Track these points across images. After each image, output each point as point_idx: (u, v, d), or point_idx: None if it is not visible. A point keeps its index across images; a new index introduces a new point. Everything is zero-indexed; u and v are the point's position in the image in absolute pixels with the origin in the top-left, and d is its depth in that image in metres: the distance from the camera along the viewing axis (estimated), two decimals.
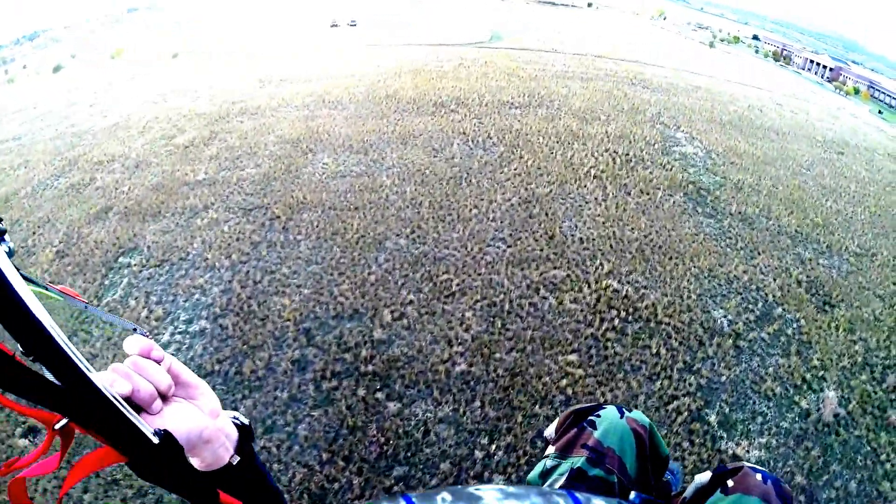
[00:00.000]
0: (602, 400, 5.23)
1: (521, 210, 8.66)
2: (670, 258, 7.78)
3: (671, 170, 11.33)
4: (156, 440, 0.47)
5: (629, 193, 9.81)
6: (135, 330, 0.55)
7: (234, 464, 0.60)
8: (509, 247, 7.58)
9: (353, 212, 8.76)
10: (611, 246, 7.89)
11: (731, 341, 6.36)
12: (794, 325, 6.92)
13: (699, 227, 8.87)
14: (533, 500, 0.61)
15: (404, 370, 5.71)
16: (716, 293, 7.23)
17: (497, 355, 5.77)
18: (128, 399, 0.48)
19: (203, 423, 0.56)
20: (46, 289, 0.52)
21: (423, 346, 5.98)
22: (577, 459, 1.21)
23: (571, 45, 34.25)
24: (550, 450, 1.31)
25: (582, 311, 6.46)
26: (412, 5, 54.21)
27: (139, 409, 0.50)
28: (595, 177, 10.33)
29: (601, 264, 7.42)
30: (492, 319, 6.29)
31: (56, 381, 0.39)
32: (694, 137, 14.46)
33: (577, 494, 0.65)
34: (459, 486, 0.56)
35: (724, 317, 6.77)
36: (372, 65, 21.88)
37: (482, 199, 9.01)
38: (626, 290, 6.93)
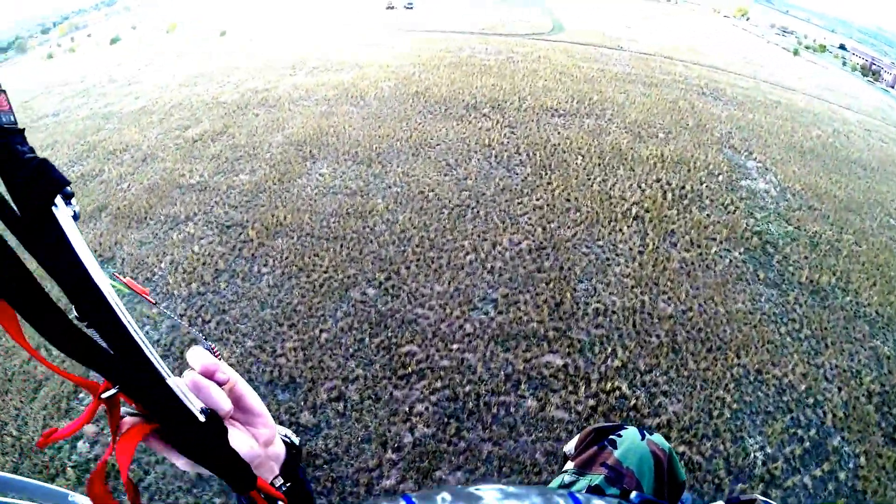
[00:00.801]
0: None
1: (530, 260, 7.04)
2: (709, 350, 5.96)
3: (734, 213, 9.26)
4: (202, 418, 0.46)
5: (675, 244, 7.93)
6: (206, 345, 0.55)
7: (277, 486, 0.58)
8: (499, 314, 6.04)
9: (330, 243, 7.48)
10: (634, 325, 6.15)
11: (759, 489, 4.57)
12: (852, 464, 5.02)
13: (756, 301, 6.91)
14: (533, 500, 0.58)
15: (320, 472, 4.39)
16: (759, 409, 5.40)
17: (438, 473, 4.32)
18: None
19: (254, 454, 0.55)
20: (115, 280, 0.48)
21: (351, 445, 4.64)
22: (596, 477, 1.21)
23: (641, 41, 31.25)
24: (569, 465, 1.33)
25: (569, 423, 4.89)
26: None
27: None
28: (636, 217, 8.50)
29: (613, 352, 5.73)
30: (446, 420, 4.84)
31: (108, 349, 0.40)
32: (767, 168, 12.07)
33: (578, 495, 0.62)
34: (459, 486, 0.53)
35: (761, 448, 4.98)
36: (412, 54, 20.39)
37: (485, 241, 7.46)
38: (639, 398, 5.23)
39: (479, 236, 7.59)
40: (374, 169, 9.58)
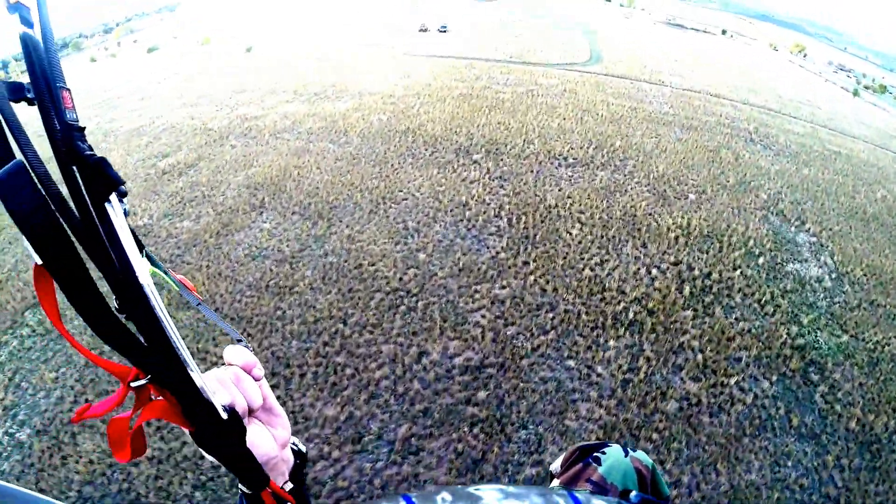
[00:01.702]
0: None
1: (461, 386, 5.14)
2: None
3: (773, 315, 7.05)
4: (224, 416, 0.48)
5: (680, 369, 5.85)
6: (240, 341, 0.57)
7: (287, 490, 0.60)
8: (394, 463, 4.24)
9: (233, 323, 5.94)
10: None
11: None
12: None
13: (779, 468, 4.73)
14: (533, 500, 0.59)
15: None
16: None
17: None
18: None
19: (274, 453, 0.57)
20: (167, 274, 0.52)
21: None
22: (581, 493, 0.94)
23: (688, 76, 28.86)
24: (555, 483, 1.32)
25: None
26: (520, 15, 50.68)
27: None
28: (633, 323, 6.42)
29: None
30: None
31: (143, 341, 0.42)
32: (823, 245, 9.66)
33: (577, 494, 0.63)
34: (459, 486, 0.55)
35: None
36: (423, 83, 18.96)
37: (412, 346, 5.65)
38: None
39: (406, 339, 5.72)
40: (319, 229, 7.94)
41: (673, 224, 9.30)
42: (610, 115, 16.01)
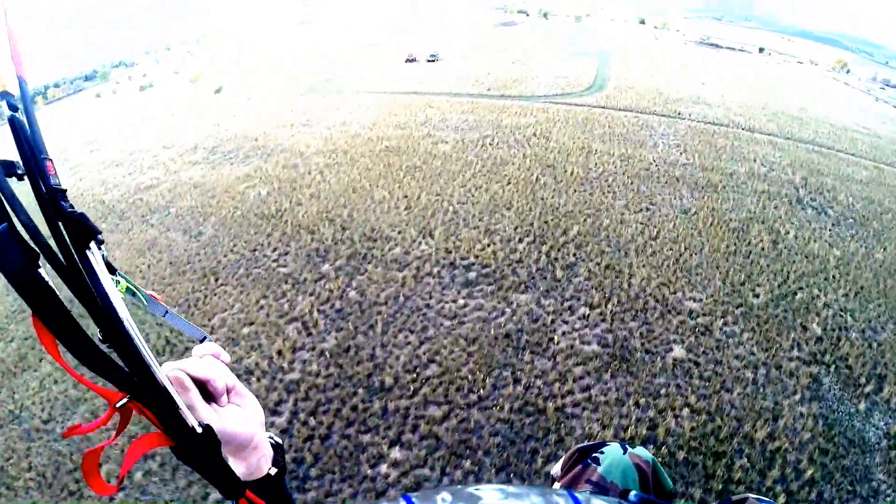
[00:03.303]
0: None
1: None
2: None
3: None
4: (199, 430, 0.51)
5: None
6: (205, 338, 0.60)
7: (272, 475, 0.63)
8: None
9: None
10: None
11: None
12: None
13: None
14: (533, 500, 0.58)
15: None
16: None
17: None
18: (202, 387, 0.54)
19: (256, 429, 0.60)
20: (138, 289, 0.57)
21: None
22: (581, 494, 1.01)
23: (715, 103, 23.83)
24: (556, 486, 1.29)
25: None
26: (533, 37, 46.55)
27: (210, 398, 0.55)
28: None
29: None
30: None
31: (125, 367, 0.46)
32: None
33: (577, 494, 0.61)
34: (459, 486, 0.55)
35: None
36: (354, 132, 15.15)
37: None
38: None
39: None
40: None
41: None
42: (583, 175, 11.34)
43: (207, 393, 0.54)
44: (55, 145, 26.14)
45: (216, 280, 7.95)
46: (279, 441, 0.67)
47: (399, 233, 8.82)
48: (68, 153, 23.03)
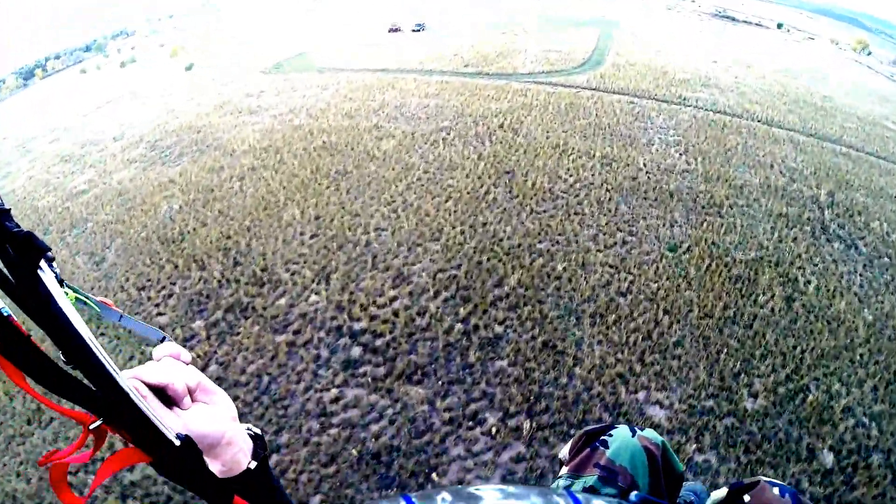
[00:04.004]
0: None
1: None
2: None
3: None
4: (177, 442, 0.50)
5: None
6: (164, 339, 0.60)
7: (252, 469, 0.61)
8: None
9: None
10: None
11: None
12: None
13: None
14: (533, 500, 0.59)
15: None
16: None
17: None
18: (162, 392, 0.52)
19: (227, 425, 0.59)
20: (89, 298, 0.56)
21: None
22: (590, 478, 1.23)
23: (727, 86, 20.93)
24: (564, 470, 1.30)
25: None
26: (531, 6, 42.71)
27: (171, 403, 0.53)
28: None
29: None
30: None
31: (92, 387, 0.44)
32: None
33: (577, 494, 0.62)
34: (460, 486, 0.56)
35: None
36: (298, 122, 12.75)
37: None
38: None
39: None
40: None
41: None
42: (547, 187, 8.81)
43: (168, 398, 0.52)
44: (24, 133, 24.63)
45: (97, 328, 5.97)
46: (259, 432, 0.63)
47: (292, 274, 6.68)
48: (32, 143, 21.47)
